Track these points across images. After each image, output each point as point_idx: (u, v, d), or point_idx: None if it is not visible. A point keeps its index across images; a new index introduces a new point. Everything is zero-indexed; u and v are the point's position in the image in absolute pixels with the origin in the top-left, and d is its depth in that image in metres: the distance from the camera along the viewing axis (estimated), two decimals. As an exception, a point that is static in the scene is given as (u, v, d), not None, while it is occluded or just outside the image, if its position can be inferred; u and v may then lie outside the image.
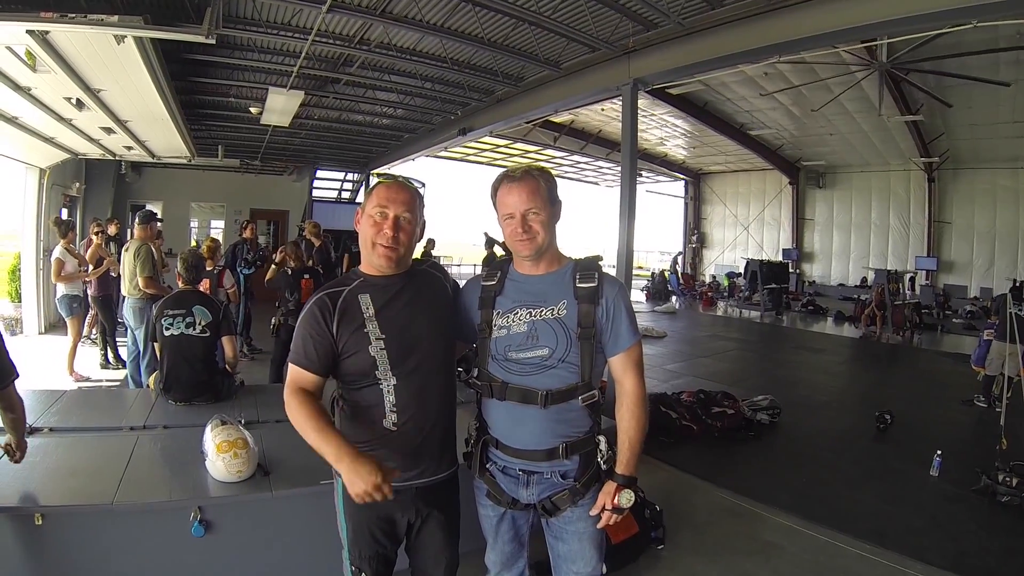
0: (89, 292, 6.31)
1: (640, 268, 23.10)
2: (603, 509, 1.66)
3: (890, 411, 5.62)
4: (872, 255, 18.05)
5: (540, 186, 1.67)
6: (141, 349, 5.21)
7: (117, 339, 6.66)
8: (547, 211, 1.67)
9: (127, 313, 5.37)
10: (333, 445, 1.48)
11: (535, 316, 1.67)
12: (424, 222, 1.73)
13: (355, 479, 1.43)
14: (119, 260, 5.87)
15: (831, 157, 17.58)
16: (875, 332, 12.16)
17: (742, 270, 18.19)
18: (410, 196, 1.66)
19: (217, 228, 14.98)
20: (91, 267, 6.21)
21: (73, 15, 3.79)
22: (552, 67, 6.68)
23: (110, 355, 6.58)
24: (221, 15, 4.68)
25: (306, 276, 5.39)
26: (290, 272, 5.47)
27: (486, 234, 5.48)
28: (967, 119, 12.79)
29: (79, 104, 5.57)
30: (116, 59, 4.46)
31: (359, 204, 1.73)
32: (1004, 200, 15.29)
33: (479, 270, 1.91)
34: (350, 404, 1.69)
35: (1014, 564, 3.28)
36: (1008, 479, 4.00)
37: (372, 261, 1.67)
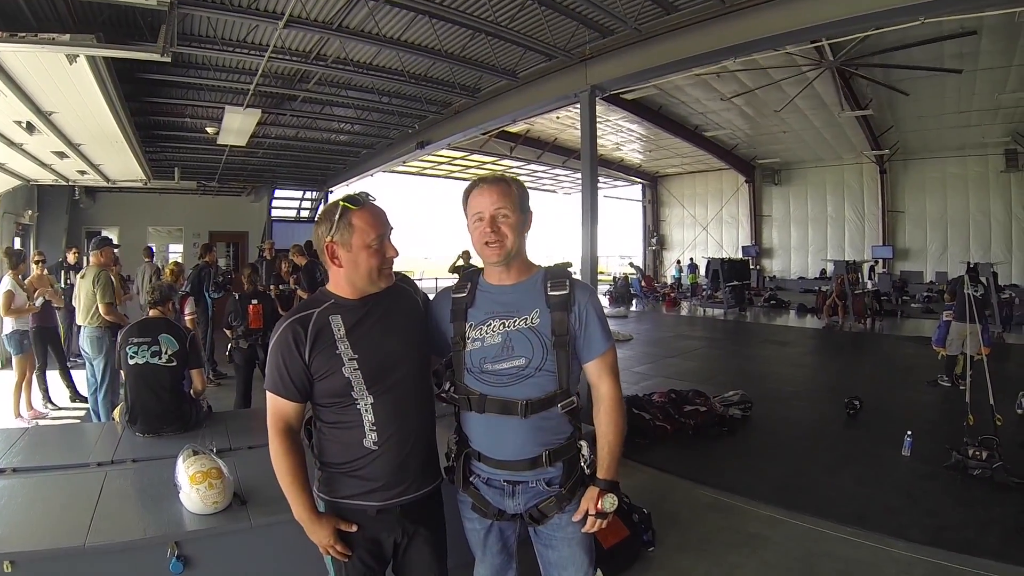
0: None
1: (602, 273, 23.28)
2: (587, 514, 1.67)
3: (859, 397, 5.77)
4: (830, 247, 18.58)
5: (512, 190, 1.68)
6: (99, 380, 5.02)
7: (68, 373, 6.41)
8: (517, 215, 1.67)
9: (84, 343, 5.16)
10: (299, 504, 1.62)
11: (508, 327, 1.67)
12: None
13: (312, 537, 1.63)
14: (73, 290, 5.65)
15: (785, 154, 18.07)
16: (837, 322, 12.50)
17: (698, 263, 18.70)
18: (386, 213, 1.67)
19: (176, 252, 14.60)
20: (40, 299, 5.93)
21: (23, 34, 3.66)
22: (509, 76, 6.71)
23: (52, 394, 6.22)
24: (176, 33, 4.56)
25: (254, 301, 5.29)
26: (238, 297, 5.37)
27: None
28: (915, 111, 13.28)
29: (30, 128, 5.37)
30: (68, 79, 4.32)
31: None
32: (954, 187, 15.98)
33: (440, 284, 1.91)
34: (329, 425, 1.66)
35: (990, 533, 3.40)
36: (978, 453, 4.15)
37: (374, 285, 1.65)
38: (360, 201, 1.62)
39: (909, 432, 4.64)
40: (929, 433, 4.93)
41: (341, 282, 1.66)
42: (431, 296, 1.88)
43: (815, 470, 4.46)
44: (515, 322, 1.67)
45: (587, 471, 1.71)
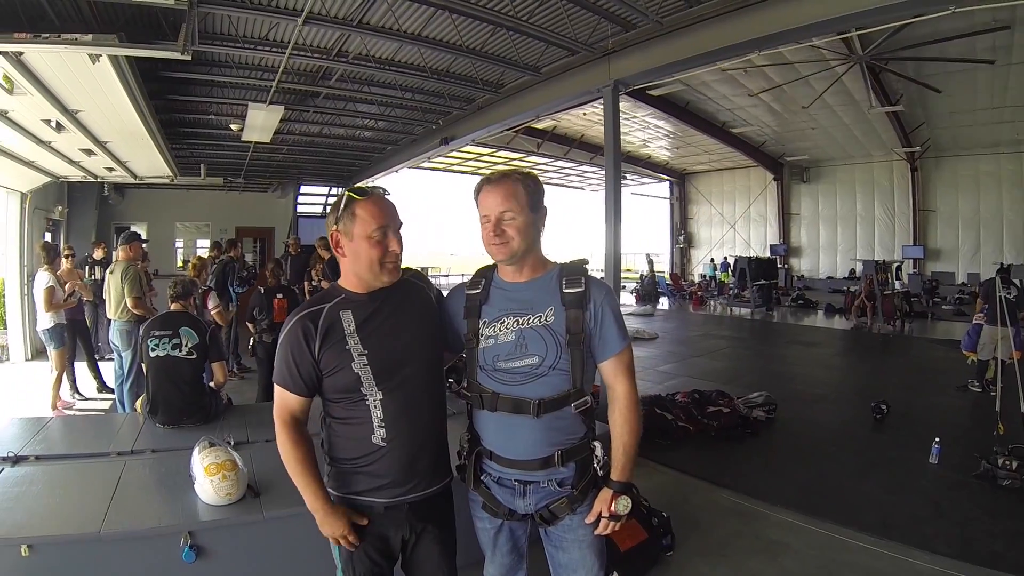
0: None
1: (628, 271, 23.10)
2: (600, 517, 1.63)
3: (886, 401, 5.62)
4: (859, 246, 18.23)
5: (518, 190, 1.63)
6: (126, 372, 5.12)
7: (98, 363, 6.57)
8: (524, 216, 1.62)
9: (114, 336, 5.28)
10: (310, 494, 1.60)
11: (523, 324, 1.64)
12: None
13: (324, 527, 1.61)
14: (103, 284, 5.77)
15: (814, 151, 17.73)
16: (866, 323, 12.22)
17: (728, 261, 18.53)
18: (396, 208, 1.64)
19: (203, 247, 14.88)
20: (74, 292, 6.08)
21: (47, 35, 3.75)
22: (532, 72, 6.66)
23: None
24: (196, 31, 4.63)
25: (279, 295, 5.34)
26: (263, 291, 5.42)
27: None
28: (947, 107, 12.90)
29: (58, 126, 5.51)
30: (92, 79, 4.42)
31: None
32: (986, 186, 15.52)
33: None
34: (338, 421, 1.65)
35: (1019, 547, 3.26)
36: (1008, 463, 3.99)
37: (377, 279, 1.62)
38: (366, 191, 1.61)
39: (937, 439, 4.49)
40: (958, 440, 4.77)
41: (349, 275, 1.65)
42: (445, 293, 1.86)
43: (839, 475, 4.35)
44: (529, 319, 1.64)
45: (600, 472, 1.68)
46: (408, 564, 1.72)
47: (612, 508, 1.62)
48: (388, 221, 1.60)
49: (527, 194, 1.63)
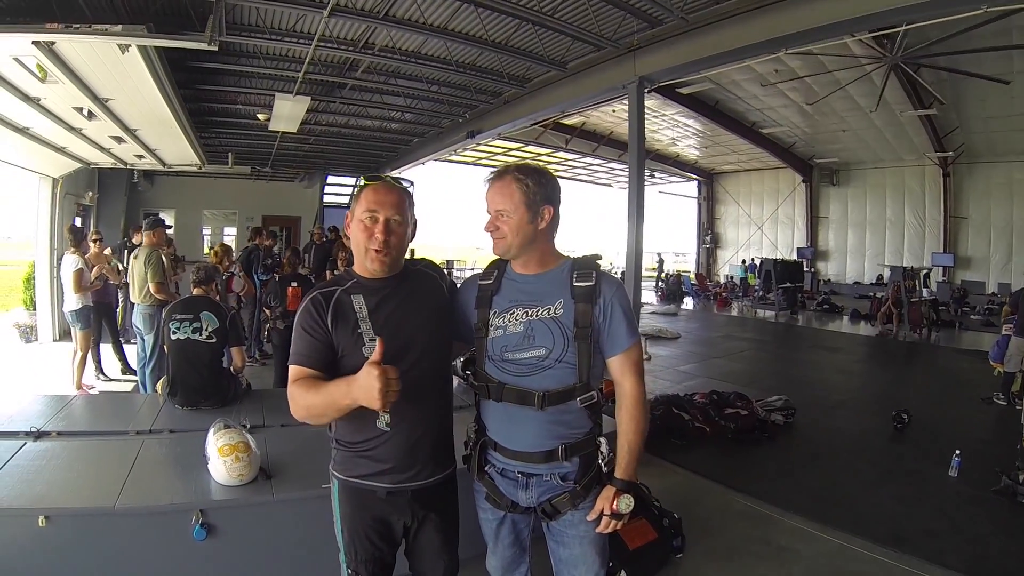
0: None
1: (654, 269, 22.96)
2: (601, 514, 1.63)
3: (907, 410, 5.50)
4: (888, 252, 17.86)
5: (514, 189, 1.63)
6: (148, 355, 5.24)
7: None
8: (519, 214, 1.62)
9: (137, 320, 5.40)
10: (339, 391, 1.45)
11: (532, 316, 1.64)
12: (415, 222, 1.70)
13: (368, 389, 1.37)
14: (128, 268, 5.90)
15: (844, 154, 17.41)
16: (891, 330, 11.97)
17: (754, 263, 18.32)
18: (399, 198, 1.62)
19: (230, 235, 15.13)
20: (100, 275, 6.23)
21: (78, 25, 3.85)
22: (558, 67, 6.65)
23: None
24: (224, 22, 4.72)
25: (293, 284, 5.43)
26: (278, 279, 5.52)
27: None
28: (981, 112, 12.57)
29: (88, 114, 5.64)
30: (122, 68, 4.52)
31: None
32: (1021, 194, 15.06)
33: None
34: None
35: (1036, 567, 3.16)
36: (1029, 479, 3.88)
37: (365, 265, 1.64)
38: (376, 178, 1.64)
39: (958, 451, 4.37)
40: (979, 453, 4.62)
41: (358, 259, 1.67)
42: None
43: (855, 484, 4.26)
44: (538, 311, 1.64)
45: (604, 469, 1.67)
46: (410, 550, 1.74)
47: (614, 506, 1.61)
48: (380, 207, 1.59)
49: (523, 193, 1.63)
